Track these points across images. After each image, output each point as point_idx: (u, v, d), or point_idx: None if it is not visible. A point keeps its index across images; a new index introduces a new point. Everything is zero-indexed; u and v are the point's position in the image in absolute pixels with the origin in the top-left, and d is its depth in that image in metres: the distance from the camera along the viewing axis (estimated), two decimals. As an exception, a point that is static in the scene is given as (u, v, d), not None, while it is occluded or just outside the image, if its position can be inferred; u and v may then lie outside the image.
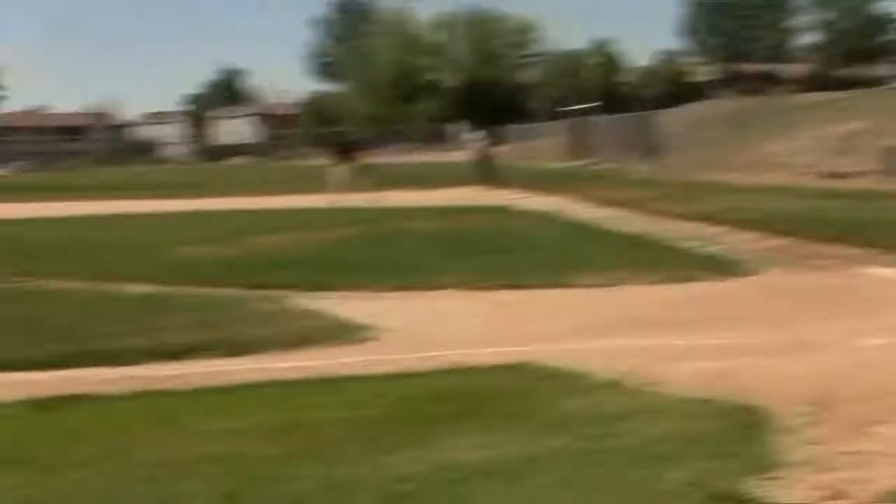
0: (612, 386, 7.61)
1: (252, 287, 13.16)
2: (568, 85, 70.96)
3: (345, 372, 8.28)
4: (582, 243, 17.14)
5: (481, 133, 38.66)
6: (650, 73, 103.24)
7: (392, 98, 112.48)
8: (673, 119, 53.31)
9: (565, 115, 66.80)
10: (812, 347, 8.75)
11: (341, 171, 32.75)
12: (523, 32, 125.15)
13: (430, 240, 18.40)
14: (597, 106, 61.94)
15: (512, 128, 78.11)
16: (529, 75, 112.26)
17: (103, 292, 13.31)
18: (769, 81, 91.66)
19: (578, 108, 64.78)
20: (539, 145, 69.38)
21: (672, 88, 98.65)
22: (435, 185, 38.25)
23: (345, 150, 32.91)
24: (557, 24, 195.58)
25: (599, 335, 9.65)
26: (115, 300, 12.47)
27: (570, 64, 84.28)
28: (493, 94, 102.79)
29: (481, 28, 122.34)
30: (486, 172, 36.71)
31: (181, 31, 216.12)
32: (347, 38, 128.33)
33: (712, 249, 15.94)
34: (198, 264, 15.67)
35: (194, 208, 30.34)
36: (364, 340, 9.89)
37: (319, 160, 48.42)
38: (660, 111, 58.10)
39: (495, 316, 11.04)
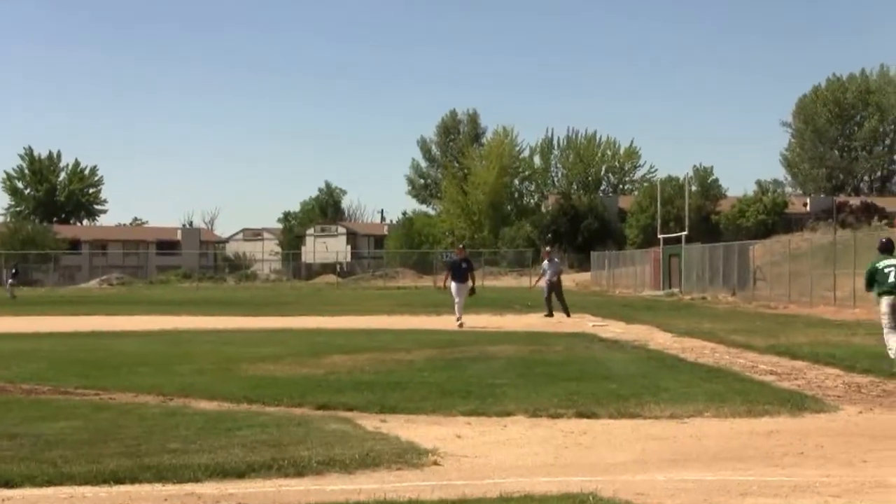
0: (673, 521, 7.45)
1: (320, 408, 13.17)
2: (663, 212, 70.83)
3: (405, 497, 8.17)
4: (658, 374, 16.92)
5: (554, 259, 37.89)
6: (747, 203, 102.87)
7: (487, 221, 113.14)
8: (765, 250, 52.96)
9: (657, 242, 66.76)
10: (888, 488, 8.54)
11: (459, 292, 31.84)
12: (623, 158, 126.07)
13: (506, 365, 18.31)
14: (688, 234, 61.74)
15: (603, 254, 78.22)
16: (626, 201, 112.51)
17: (172, 408, 13.35)
18: (871, 214, 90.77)
19: (670, 237, 64.68)
20: (628, 272, 69.28)
21: (769, 219, 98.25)
22: (521, 310, 38.35)
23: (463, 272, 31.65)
24: (657, 149, 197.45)
25: (665, 468, 9.47)
26: (182, 416, 12.46)
27: (666, 191, 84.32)
28: (588, 219, 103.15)
29: (581, 153, 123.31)
30: (550, 299, 35.72)
31: (283, 149, 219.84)
32: (447, 160, 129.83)
33: (790, 384, 15.67)
34: (268, 383, 15.69)
35: (277, 326, 30.70)
36: (427, 465, 9.78)
37: (407, 281, 49.03)
38: (752, 242, 57.76)
39: (562, 445, 10.90)
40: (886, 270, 17.98)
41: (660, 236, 65.54)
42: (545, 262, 37.48)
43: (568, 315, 34.65)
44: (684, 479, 8.92)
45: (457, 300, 31.23)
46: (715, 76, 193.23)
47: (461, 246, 37.03)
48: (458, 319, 30.67)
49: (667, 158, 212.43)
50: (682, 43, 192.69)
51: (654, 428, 11.90)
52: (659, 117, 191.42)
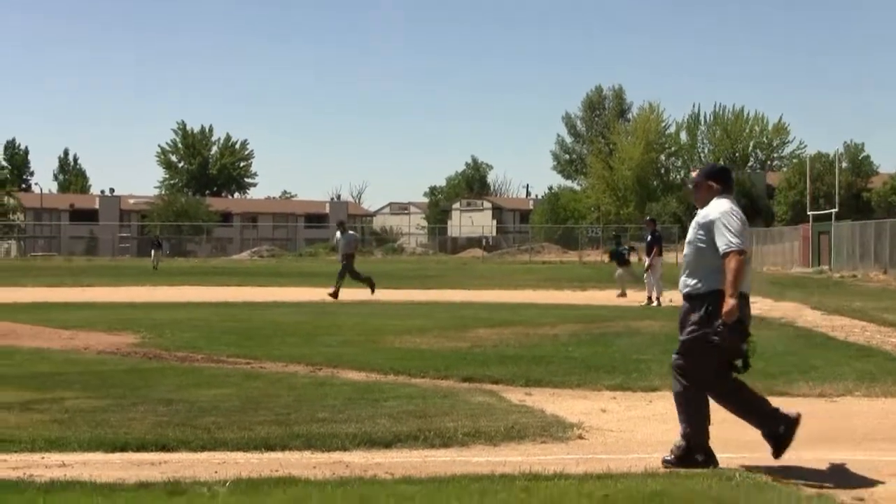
0: (826, 500, 7.35)
1: (465, 380, 13.33)
2: (812, 188, 69.54)
3: (550, 469, 8.21)
4: (806, 352, 16.66)
5: (348, 232, 33.86)
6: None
7: (633, 197, 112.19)
8: (920, 228, 51.65)
9: (806, 219, 65.59)
10: None
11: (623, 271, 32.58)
12: (772, 134, 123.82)
13: (651, 341, 18.20)
14: (839, 211, 60.52)
15: (751, 230, 77.03)
16: (774, 177, 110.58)
17: (320, 378, 13.61)
18: None
19: (820, 213, 63.49)
20: (776, 249, 68.19)
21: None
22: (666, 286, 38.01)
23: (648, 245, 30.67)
24: (807, 126, 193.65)
25: (813, 446, 9.34)
26: (330, 386, 12.69)
27: (816, 167, 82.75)
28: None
29: (728, 129, 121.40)
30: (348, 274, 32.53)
31: (430, 123, 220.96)
32: (593, 135, 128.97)
33: (945, 364, 15.31)
34: (414, 355, 15.90)
35: (422, 299, 30.89)
36: (572, 438, 9.79)
37: (552, 256, 49.23)
38: (906, 219, 56.33)
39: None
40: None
41: (809, 213, 64.38)
42: (338, 234, 34.23)
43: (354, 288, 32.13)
44: (833, 458, 8.81)
45: (644, 275, 30.24)
46: (866, 52, 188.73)
47: (648, 218, 35.16)
48: (649, 297, 29.38)
49: (817, 135, 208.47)
50: (830, 20, 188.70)
51: (802, 406, 11.63)
52: (809, 93, 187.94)
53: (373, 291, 31.92)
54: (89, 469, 8.24)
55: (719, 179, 9.00)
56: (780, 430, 8.58)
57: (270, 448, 9.16)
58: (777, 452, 8.54)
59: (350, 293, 33.16)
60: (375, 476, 8.09)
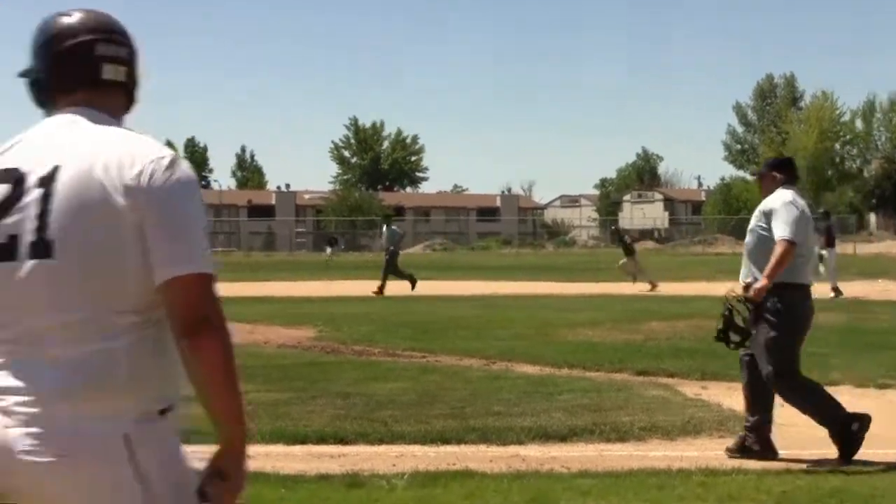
0: None
1: (640, 373, 13.27)
2: None
3: (727, 465, 8.18)
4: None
5: (391, 227, 33.71)
6: None
7: (807, 186, 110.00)
8: None
9: None
10: None
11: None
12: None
13: (827, 333, 17.78)
14: None
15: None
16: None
17: (494, 371, 13.73)
18: None
19: None
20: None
21: None
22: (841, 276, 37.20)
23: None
24: None
25: None
26: (504, 380, 12.78)
27: None
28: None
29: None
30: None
31: (599, 115, 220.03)
32: (764, 124, 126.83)
33: None
34: (587, 348, 15.89)
35: (593, 292, 30.80)
36: (749, 434, 9.71)
37: (725, 248, 48.64)
38: None
39: (888, 416, 10.60)
40: None
41: None
42: (383, 228, 34.33)
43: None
44: None
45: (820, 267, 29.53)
46: None
47: (822, 211, 35.34)
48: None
49: None
50: None
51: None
52: None
53: (413, 287, 31.22)
54: (272, 461, 8.46)
55: (782, 170, 9.31)
56: (853, 428, 8.61)
57: (447, 441, 9.29)
58: (845, 453, 8.52)
59: (528, 286, 33.24)
60: (552, 470, 8.15)
